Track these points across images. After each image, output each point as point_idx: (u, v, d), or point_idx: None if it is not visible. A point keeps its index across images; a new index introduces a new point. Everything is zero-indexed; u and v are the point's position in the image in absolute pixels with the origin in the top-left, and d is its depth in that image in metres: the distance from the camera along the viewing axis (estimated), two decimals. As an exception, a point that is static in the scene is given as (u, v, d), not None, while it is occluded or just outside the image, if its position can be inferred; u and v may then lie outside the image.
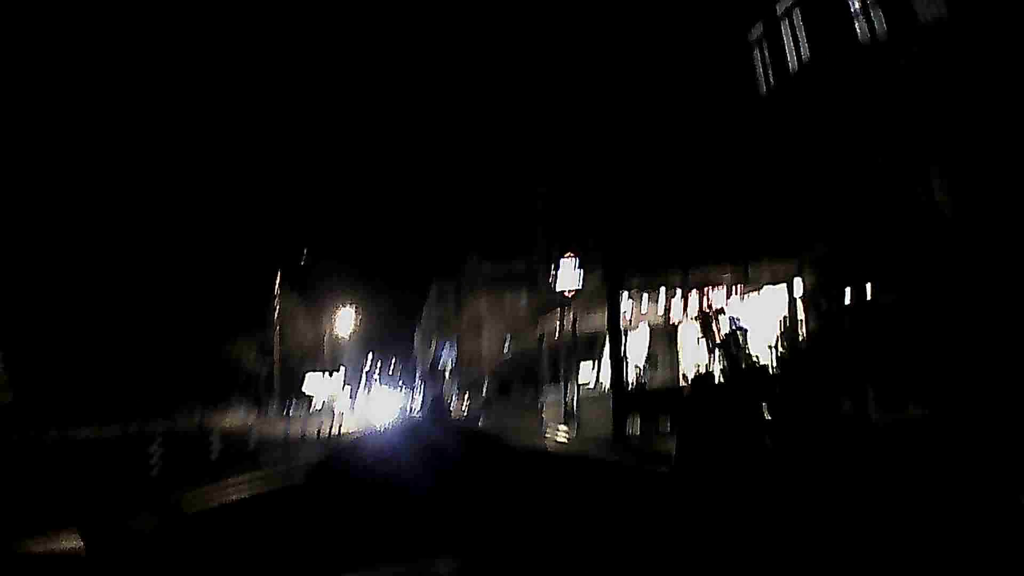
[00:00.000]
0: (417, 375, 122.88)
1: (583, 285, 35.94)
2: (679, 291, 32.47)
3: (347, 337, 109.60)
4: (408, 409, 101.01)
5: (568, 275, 37.22)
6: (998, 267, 17.87)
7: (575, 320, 34.28)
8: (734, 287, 31.17)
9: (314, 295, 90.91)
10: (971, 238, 19.32)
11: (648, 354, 37.05)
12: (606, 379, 37.07)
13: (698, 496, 14.00)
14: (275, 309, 71.40)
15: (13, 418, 40.01)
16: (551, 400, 38.47)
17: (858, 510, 10.19)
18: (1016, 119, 18.53)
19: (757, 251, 28.89)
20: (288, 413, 75.87)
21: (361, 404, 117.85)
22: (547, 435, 34.40)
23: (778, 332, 25.61)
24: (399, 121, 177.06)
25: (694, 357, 33.47)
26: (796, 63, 27.15)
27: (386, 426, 59.17)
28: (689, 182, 32.33)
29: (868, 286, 23.51)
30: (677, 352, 36.64)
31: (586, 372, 40.86)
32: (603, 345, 38.92)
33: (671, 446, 20.04)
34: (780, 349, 20.42)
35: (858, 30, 24.28)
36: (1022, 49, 18.77)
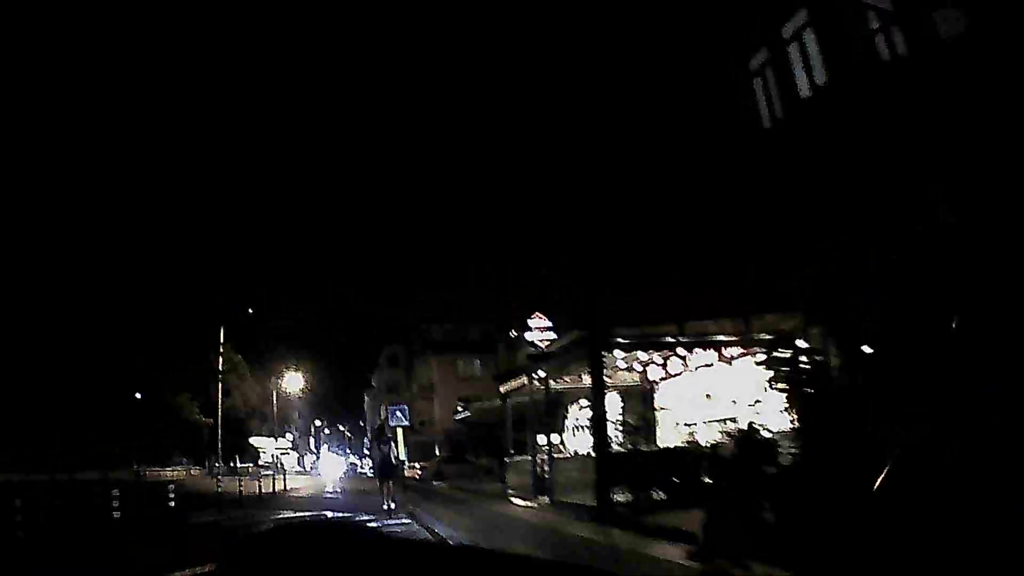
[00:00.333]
0: (367, 438, 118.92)
1: (551, 346, 31.92)
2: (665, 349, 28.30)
3: (296, 398, 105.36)
4: (357, 467, 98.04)
5: (540, 333, 33.24)
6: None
7: (547, 380, 30.02)
8: (724, 346, 27.02)
9: (262, 355, 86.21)
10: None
11: (624, 418, 32.96)
12: (574, 444, 34.20)
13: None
14: (218, 364, 66.23)
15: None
16: (516, 465, 34.15)
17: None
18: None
19: (761, 303, 24.83)
20: (234, 467, 72.06)
21: (310, 464, 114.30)
22: (515, 501, 30.04)
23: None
24: (353, 179, 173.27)
25: (679, 418, 29.92)
26: (808, 89, 23.41)
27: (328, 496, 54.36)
28: (680, 224, 28.47)
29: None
30: (654, 414, 32.64)
31: (555, 436, 36.61)
32: (571, 408, 35.83)
33: (674, 519, 16.92)
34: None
35: (878, 49, 20.60)
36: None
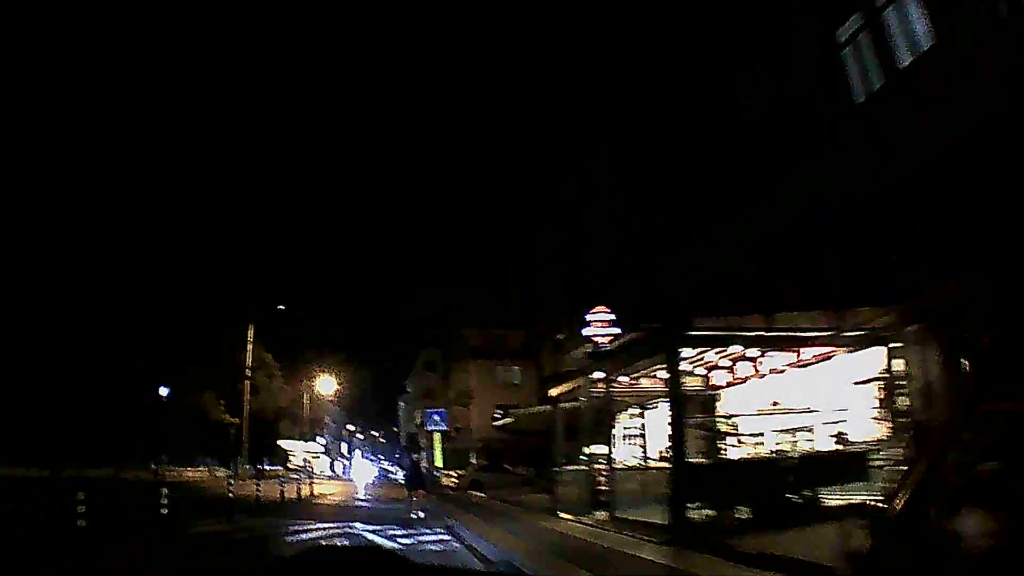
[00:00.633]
0: (400, 445, 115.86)
1: (614, 343, 28.13)
2: (739, 347, 24.38)
3: (329, 402, 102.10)
4: (389, 474, 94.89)
5: (601, 328, 29.42)
6: None
7: (608, 381, 26.18)
8: (814, 343, 23.01)
9: (294, 356, 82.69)
10: None
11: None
12: (622, 455, 31.37)
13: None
14: (246, 361, 62.55)
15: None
16: (567, 476, 30.41)
17: None
18: None
19: (853, 295, 20.90)
20: (262, 469, 68.67)
21: (341, 469, 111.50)
22: (567, 516, 26.26)
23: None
24: (390, 180, 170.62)
25: (743, 428, 26.45)
26: (910, 57, 19.62)
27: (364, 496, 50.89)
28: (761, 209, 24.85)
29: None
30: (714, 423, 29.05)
31: (596, 447, 33.23)
32: (619, 416, 32.72)
33: (766, 542, 14.66)
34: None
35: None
36: None
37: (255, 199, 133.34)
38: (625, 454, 32.48)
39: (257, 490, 29.80)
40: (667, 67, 31.87)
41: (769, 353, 24.50)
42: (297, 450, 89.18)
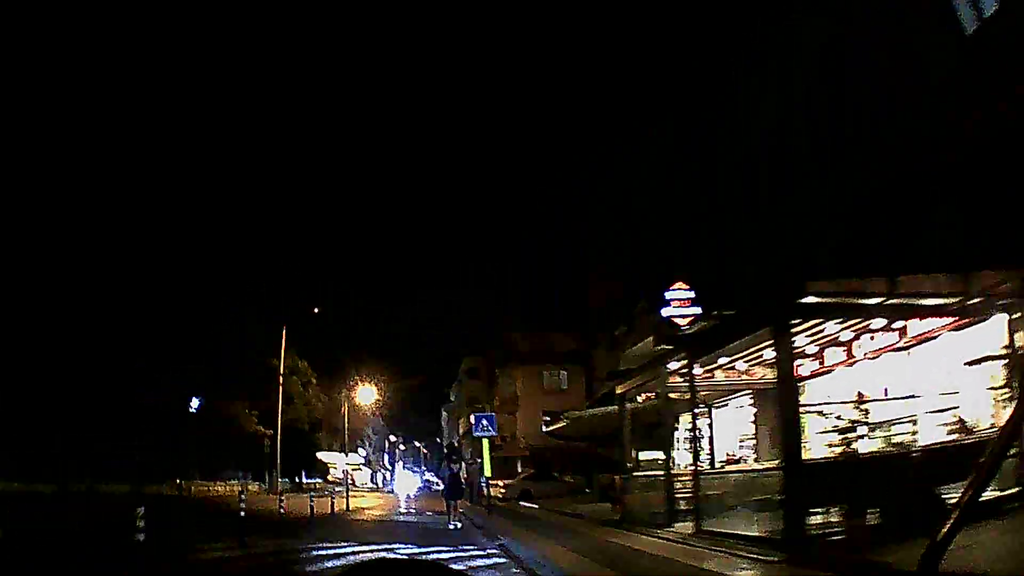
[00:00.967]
0: (442, 455, 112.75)
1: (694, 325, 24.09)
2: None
3: (370, 412, 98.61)
4: (432, 485, 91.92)
5: (681, 308, 25.24)
6: None
7: (691, 368, 21.93)
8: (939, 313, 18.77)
9: (331, 365, 79.03)
10: None
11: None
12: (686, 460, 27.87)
13: None
14: (279, 368, 58.67)
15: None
16: (637, 484, 26.45)
17: None
18: None
19: (973, 257, 16.84)
20: (299, 483, 65.36)
21: (383, 481, 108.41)
22: (639, 529, 22.23)
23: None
24: (428, 178, 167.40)
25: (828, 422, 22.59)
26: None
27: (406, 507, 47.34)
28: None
29: None
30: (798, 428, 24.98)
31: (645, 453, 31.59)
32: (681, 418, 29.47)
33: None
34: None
35: None
36: None
37: (291, 202, 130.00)
38: (685, 459, 29.21)
39: (281, 506, 25.86)
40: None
41: (871, 332, 20.50)
42: (337, 462, 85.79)
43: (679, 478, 23.31)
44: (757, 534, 16.54)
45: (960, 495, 3.31)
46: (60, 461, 40.36)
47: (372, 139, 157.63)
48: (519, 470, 64.72)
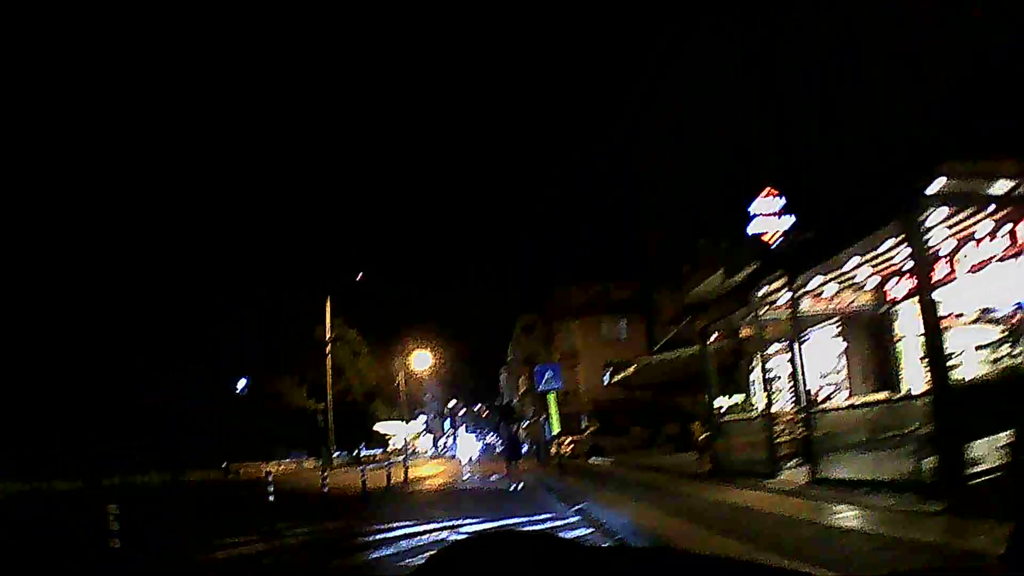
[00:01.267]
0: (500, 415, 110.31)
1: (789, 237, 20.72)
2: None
3: (427, 378, 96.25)
4: (495, 447, 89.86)
5: (771, 221, 21.76)
6: None
7: (797, 290, 18.48)
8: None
9: (383, 332, 76.52)
10: None
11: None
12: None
13: None
14: (326, 338, 55.94)
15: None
16: (727, 428, 23.26)
17: None
18: None
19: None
20: (358, 456, 63.18)
21: (444, 446, 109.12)
22: (736, 482, 19.07)
23: None
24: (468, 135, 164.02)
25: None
26: None
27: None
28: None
29: None
30: (892, 349, 21.96)
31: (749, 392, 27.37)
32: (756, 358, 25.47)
33: None
34: None
35: None
36: None
37: (335, 171, 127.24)
38: (761, 402, 25.69)
39: (324, 483, 22.89)
40: None
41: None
42: (397, 432, 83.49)
43: (782, 420, 20.19)
44: (893, 478, 13.42)
45: None
46: (79, 456, 38.96)
47: (411, 102, 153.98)
48: (583, 425, 62.25)
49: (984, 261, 18.48)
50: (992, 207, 14.58)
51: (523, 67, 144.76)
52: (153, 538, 14.93)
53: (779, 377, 29.98)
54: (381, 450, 78.16)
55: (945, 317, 15.72)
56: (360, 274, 58.39)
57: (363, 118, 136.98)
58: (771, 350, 30.42)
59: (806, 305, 21.87)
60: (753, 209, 21.59)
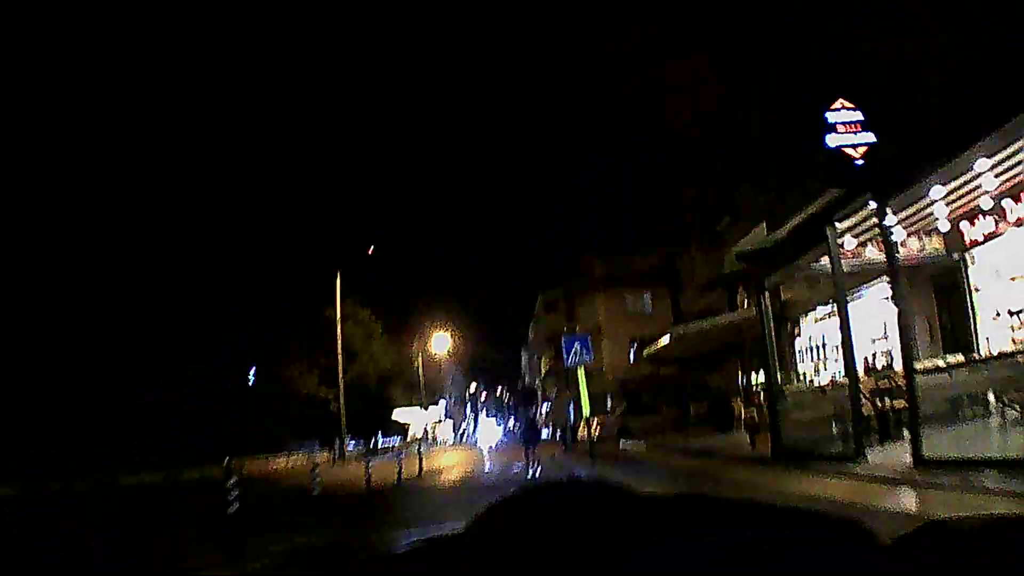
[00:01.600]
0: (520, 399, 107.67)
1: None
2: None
3: (446, 362, 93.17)
4: (512, 431, 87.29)
5: (850, 135, 17.79)
6: None
7: (882, 216, 14.62)
8: None
9: (397, 312, 73.23)
10: None
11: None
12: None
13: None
14: (337, 319, 52.62)
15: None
16: (795, 400, 19.65)
17: None
18: None
19: None
20: (375, 447, 62.13)
21: (466, 434, 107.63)
22: (809, 469, 15.49)
23: None
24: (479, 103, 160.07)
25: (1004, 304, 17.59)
26: None
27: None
28: None
29: None
30: (968, 304, 19.03)
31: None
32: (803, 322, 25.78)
33: None
34: None
35: None
36: None
37: (346, 140, 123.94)
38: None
39: (312, 482, 19.32)
40: None
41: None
42: (416, 419, 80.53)
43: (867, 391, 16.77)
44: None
45: None
46: (64, 455, 37.06)
47: (428, 75, 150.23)
48: (608, 405, 59.72)
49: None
50: None
51: (537, 26, 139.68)
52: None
53: (824, 344, 26.83)
54: (400, 439, 75.55)
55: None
56: (371, 247, 54.96)
57: (379, 89, 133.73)
58: (820, 312, 27.14)
59: (870, 253, 18.50)
60: (832, 117, 17.62)
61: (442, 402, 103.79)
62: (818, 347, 27.10)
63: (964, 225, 17.97)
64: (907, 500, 10.80)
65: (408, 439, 74.94)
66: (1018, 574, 1.17)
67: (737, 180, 30.81)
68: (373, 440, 65.15)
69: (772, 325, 20.28)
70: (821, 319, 26.71)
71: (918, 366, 14.30)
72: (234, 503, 13.64)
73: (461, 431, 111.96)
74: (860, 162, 16.68)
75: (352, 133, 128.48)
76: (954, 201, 16.25)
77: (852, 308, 23.82)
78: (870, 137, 16.99)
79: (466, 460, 44.12)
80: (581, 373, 27.91)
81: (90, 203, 47.33)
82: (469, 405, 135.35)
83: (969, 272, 18.96)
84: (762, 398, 28.38)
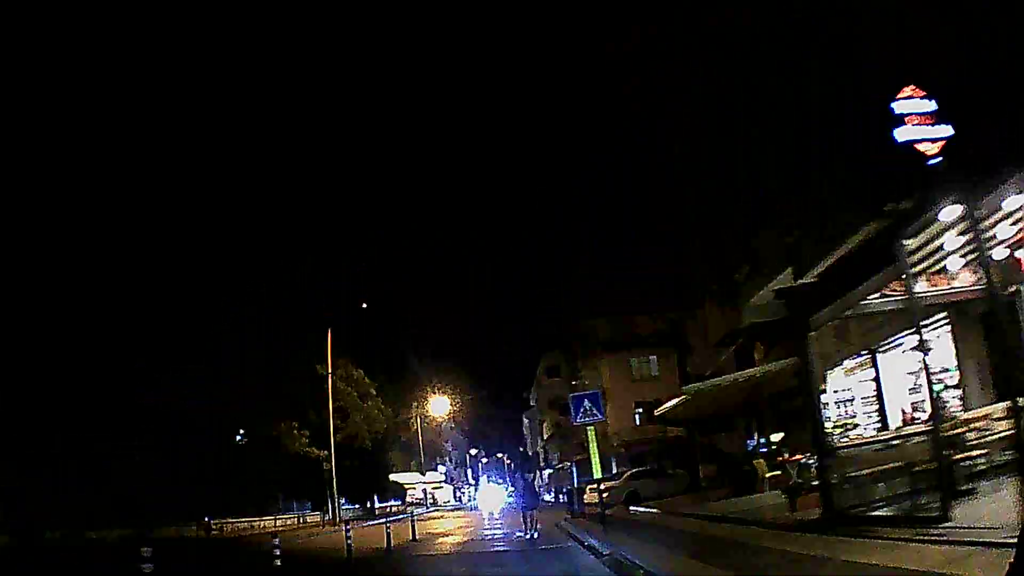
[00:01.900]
0: (526, 466, 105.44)
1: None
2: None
3: (445, 425, 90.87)
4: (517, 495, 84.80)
5: (923, 128, 14.65)
6: None
7: (974, 224, 11.64)
8: None
9: (395, 373, 70.44)
10: None
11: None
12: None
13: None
14: (326, 379, 50.62)
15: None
16: (846, 459, 16.65)
17: None
18: None
19: None
20: (371, 509, 61.89)
21: (467, 498, 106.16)
22: (876, 537, 12.52)
23: None
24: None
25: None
26: None
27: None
28: None
29: None
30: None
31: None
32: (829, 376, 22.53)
33: None
34: None
35: None
36: None
37: (343, 196, 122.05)
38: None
39: (275, 550, 16.12)
40: None
41: None
42: (415, 482, 78.09)
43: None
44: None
45: None
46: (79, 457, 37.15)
47: (422, 129, 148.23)
48: (614, 469, 57.92)
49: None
50: None
51: (529, 51, 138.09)
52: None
53: (851, 400, 24.65)
54: (399, 502, 73.17)
55: None
56: (363, 303, 53.02)
57: (376, 141, 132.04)
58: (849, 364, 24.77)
59: (921, 287, 15.80)
60: (899, 108, 14.42)
61: (441, 467, 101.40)
62: (845, 402, 24.60)
63: (1021, 253, 15.15)
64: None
65: (408, 502, 72.88)
66: None
67: (756, 225, 28.12)
68: (369, 502, 62.83)
69: (819, 371, 17.48)
70: (852, 371, 24.15)
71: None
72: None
73: (462, 495, 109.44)
74: (936, 160, 13.69)
75: (354, 188, 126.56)
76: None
77: (883, 360, 21.31)
78: (947, 130, 13.92)
79: (465, 525, 41.10)
80: (592, 434, 25.31)
81: (93, 209, 48.30)
82: (470, 470, 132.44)
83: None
84: (787, 457, 25.75)
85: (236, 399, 48.95)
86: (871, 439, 18.56)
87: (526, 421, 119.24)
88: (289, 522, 48.04)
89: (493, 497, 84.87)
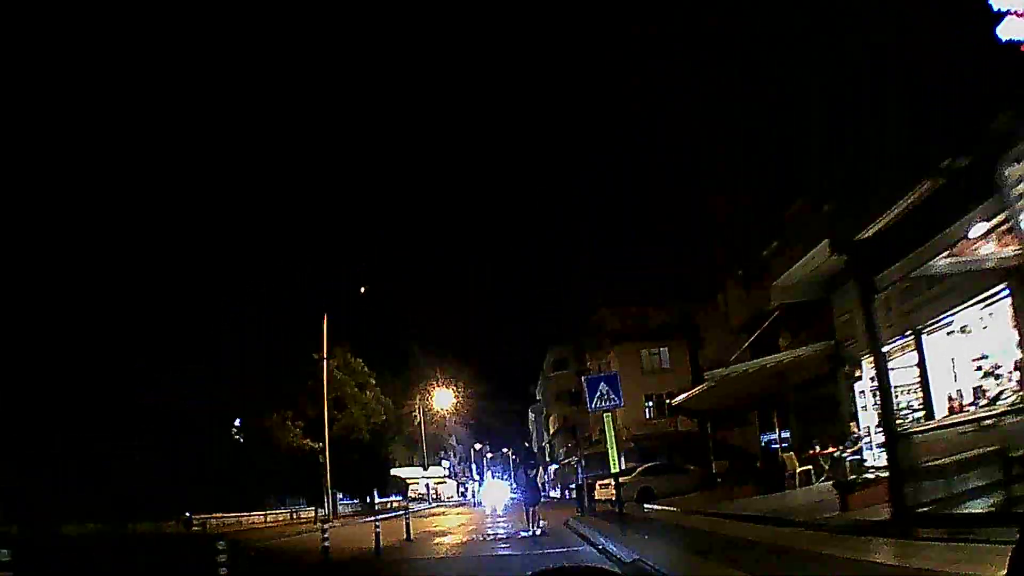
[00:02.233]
0: (531, 460, 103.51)
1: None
2: None
3: (450, 419, 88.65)
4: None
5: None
6: None
7: None
8: None
9: (396, 364, 68.61)
10: None
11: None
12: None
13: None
14: (322, 368, 48.73)
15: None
16: (923, 447, 13.88)
17: None
18: None
19: None
20: (371, 504, 60.37)
21: (471, 493, 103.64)
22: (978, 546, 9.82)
23: None
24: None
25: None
26: None
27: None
28: None
29: None
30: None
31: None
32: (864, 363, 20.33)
33: None
34: None
35: None
36: None
37: (345, 184, 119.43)
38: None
39: (220, 560, 13.25)
40: None
41: None
42: (417, 477, 77.45)
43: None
44: None
45: None
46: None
47: (429, 126, 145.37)
48: (623, 464, 53.90)
49: None
50: None
51: (533, 43, 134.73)
52: None
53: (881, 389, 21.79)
54: (400, 497, 71.41)
55: None
56: (363, 288, 50.36)
57: (384, 134, 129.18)
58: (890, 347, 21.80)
59: (988, 250, 13.17)
60: (998, 4, 11.36)
61: (445, 462, 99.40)
62: (887, 389, 21.79)
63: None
64: None
65: (410, 497, 72.15)
66: None
67: (786, 197, 25.27)
68: (369, 498, 61.21)
69: (882, 342, 14.63)
70: (891, 355, 21.32)
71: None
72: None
73: (465, 490, 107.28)
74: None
75: (353, 179, 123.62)
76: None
77: (928, 341, 18.54)
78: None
79: (468, 523, 38.57)
80: (609, 421, 22.54)
81: (90, 204, 45.15)
82: (475, 465, 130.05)
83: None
84: (819, 450, 24.47)
85: (235, 394, 46.59)
86: (956, 420, 15.53)
87: (532, 416, 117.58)
88: (281, 518, 45.46)
89: (497, 493, 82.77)
